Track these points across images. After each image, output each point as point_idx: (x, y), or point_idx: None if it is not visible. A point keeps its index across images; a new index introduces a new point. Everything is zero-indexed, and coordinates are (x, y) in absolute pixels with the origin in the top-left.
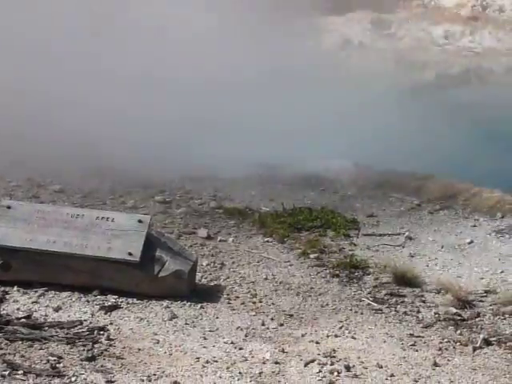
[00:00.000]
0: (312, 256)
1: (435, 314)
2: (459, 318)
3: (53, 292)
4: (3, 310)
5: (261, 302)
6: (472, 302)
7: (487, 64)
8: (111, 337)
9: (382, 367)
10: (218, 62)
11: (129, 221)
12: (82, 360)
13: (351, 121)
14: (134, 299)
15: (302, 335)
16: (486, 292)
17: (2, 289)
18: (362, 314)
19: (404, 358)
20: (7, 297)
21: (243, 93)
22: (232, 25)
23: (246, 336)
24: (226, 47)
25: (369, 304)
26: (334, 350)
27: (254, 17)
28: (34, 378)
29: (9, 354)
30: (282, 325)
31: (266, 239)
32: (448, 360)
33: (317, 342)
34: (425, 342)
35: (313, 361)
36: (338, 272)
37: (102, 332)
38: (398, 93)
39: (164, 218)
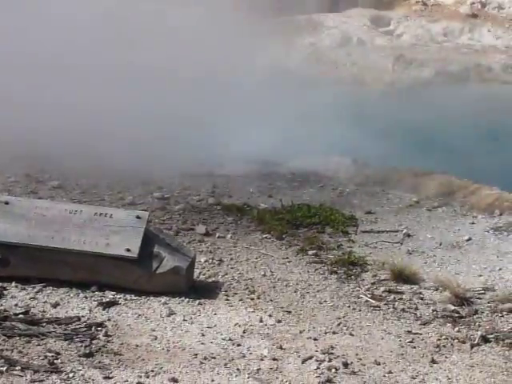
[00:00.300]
0: (310, 253)
1: (433, 311)
2: (457, 315)
3: (51, 288)
4: (1, 305)
5: (259, 298)
6: (470, 299)
7: (486, 61)
8: (109, 333)
9: (379, 364)
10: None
11: (127, 217)
12: (79, 356)
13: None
14: (132, 295)
15: (300, 332)
16: (484, 289)
17: (0, 284)
18: (359, 310)
19: (402, 354)
20: (5, 292)
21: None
22: (224, 20)
23: (243, 332)
24: (216, 43)
25: (367, 301)
26: (331, 347)
27: (251, 13)
28: (31, 374)
29: (6, 349)
30: (279, 321)
31: (264, 236)
32: (446, 357)
33: (315, 339)
34: (423, 339)
35: (311, 357)
36: (336, 269)
37: (99, 328)
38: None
39: (162, 215)
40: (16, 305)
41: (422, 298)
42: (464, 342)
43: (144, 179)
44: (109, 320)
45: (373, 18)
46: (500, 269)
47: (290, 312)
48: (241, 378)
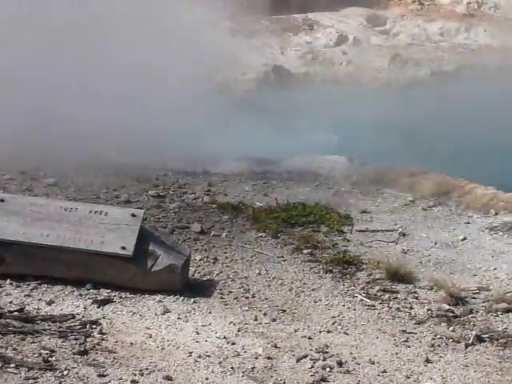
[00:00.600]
0: (305, 251)
1: (428, 310)
2: (452, 314)
3: (45, 285)
4: None
5: (254, 297)
6: (465, 299)
7: (482, 61)
8: (103, 331)
9: (374, 363)
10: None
11: (122, 215)
12: (74, 354)
13: None
14: (127, 293)
15: (295, 330)
16: (478, 289)
17: None
18: (354, 309)
19: (396, 354)
20: (0, 290)
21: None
22: (220, 19)
23: (238, 331)
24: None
25: (362, 300)
26: (326, 346)
27: (248, 11)
28: (25, 372)
29: (1, 347)
30: (274, 320)
31: (259, 234)
32: (440, 356)
33: (309, 338)
34: (417, 339)
35: (305, 356)
36: (331, 268)
37: (94, 326)
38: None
39: (157, 213)
40: (11, 302)
41: (416, 298)
42: (458, 342)
43: (138, 176)
44: (103, 318)
45: (369, 17)
46: (495, 268)
47: (284, 311)
48: (235, 376)
